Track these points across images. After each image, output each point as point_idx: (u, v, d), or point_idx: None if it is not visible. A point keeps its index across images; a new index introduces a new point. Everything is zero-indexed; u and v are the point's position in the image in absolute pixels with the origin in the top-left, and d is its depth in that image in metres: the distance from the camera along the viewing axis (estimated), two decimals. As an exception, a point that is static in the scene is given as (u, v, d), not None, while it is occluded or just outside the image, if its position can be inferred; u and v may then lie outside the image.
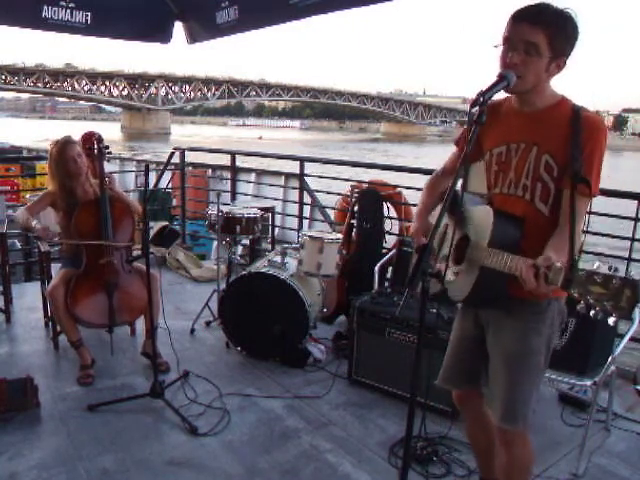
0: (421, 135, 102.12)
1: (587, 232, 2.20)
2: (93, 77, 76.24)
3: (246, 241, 4.79)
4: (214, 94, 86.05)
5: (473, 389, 1.88)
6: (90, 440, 2.46)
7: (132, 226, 3.27)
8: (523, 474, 1.79)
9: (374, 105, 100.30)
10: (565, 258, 1.40)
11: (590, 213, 1.48)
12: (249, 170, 6.51)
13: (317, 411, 2.80)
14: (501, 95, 1.62)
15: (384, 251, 3.95)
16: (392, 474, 2.30)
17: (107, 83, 78.09)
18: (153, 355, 2.82)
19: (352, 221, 3.99)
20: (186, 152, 5.69)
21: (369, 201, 3.99)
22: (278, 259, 3.47)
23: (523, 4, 1.53)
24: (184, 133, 72.83)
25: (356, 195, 4.06)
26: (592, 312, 1.20)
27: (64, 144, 3.11)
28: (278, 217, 5.49)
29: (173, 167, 5.67)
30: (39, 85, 71.89)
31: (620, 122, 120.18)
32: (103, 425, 2.58)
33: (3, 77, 68.06)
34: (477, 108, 1.45)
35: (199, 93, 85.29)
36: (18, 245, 5.43)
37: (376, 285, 3.41)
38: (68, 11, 3.45)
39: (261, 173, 6.47)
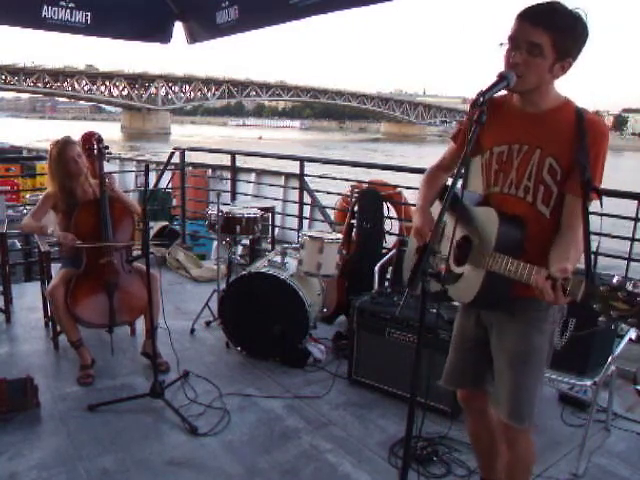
0: (421, 135, 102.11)
1: (601, 234, 2.21)
2: (93, 77, 76.26)
3: (246, 241, 4.79)
4: (214, 94, 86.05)
5: (477, 389, 1.88)
6: (90, 440, 2.46)
7: (132, 226, 3.27)
8: (525, 474, 1.80)
9: (374, 105, 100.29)
10: (573, 265, 1.41)
11: (590, 213, 1.47)
12: (249, 170, 6.51)
13: (317, 411, 2.80)
14: (502, 91, 1.61)
15: (384, 251, 3.95)
16: (392, 474, 2.30)
17: (107, 83, 78.08)
18: (153, 355, 2.82)
19: (352, 221, 3.99)
20: (186, 152, 5.69)
21: (369, 201, 3.99)
22: (278, 259, 3.47)
23: (528, 3, 1.51)
24: (184, 133, 72.83)
25: (356, 195, 4.06)
26: (613, 326, 1.19)
27: (64, 144, 3.11)
28: (278, 217, 5.49)
29: (173, 167, 5.67)
30: (39, 85, 71.87)
31: (620, 122, 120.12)
32: (103, 425, 2.58)
33: (3, 77, 68.05)
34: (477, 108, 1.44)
35: (199, 93, 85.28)
36: (18, 245, 5.43)
37: (376, 285, 3.42)
38: (68, 11, 3.45)
39: (261, 173, 6.47)
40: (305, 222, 5.34)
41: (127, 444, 2.45)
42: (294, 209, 5.39)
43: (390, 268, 3.62)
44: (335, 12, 3.02)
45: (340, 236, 3.58)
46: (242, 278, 3.34)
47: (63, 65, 73.41)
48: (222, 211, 3.63)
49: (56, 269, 3.31)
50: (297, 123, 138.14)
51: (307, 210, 5.44)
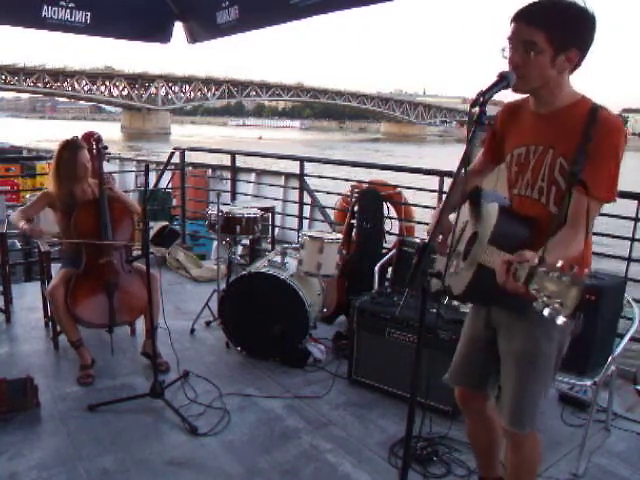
0: (421, 135, 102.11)
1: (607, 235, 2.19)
2: (93, 77, 76.25)
3: (246, 241, 4.79)
4: (214, 94, 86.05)
5: (478, 390, 1.87)
6: (90, 440, 2.46)
7: (131, 226, 3.27)
8: (530, 475, 1.78)
9: (374, 105, 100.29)
10: (555, 258, 1.38)
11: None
12: (249, 170, 6.51)
13: (317, 411, 2.80)
14: (520, 95, 1.62)
15: (384, 251, 3.95)
16: (392, 474, 2.30)
17: (107, 83, 78.10)
18: (153, 355, 2.82)
19: (352, 221, 3.99)
20: (186, 152, 5.69)
21: (369, 201, 3.99)
22: (278, 259, 3.47)
23: (523, 4, 1.52)
24: (184, 133, 72.82)
25: (356, 195, 4.06)
26: (546, 311, 1.14)
27: (77, 149, 3.10)
28: (278, 217, 5.49)
29: (173, 167, 5.68)
30: (39, 85, 71.87)
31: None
32: (103, 425, 2.58)
33: (3, 77, 68.05)
34: (477, 108, 1.44)
35: (199, 93, 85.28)
36: (18, 245, 5.42)
37: (376, 285, 3.41)
38: (68, 11, 3.45)
39: (261, 173, 6.47)
40: (305, 222, 5.34)
41: (127, 444, 2.45)
42: (294, 209, 5.39)
43: (390, 268, 3.62)
44: (335, 12, 3.02)
45: (340, 236, 3.58)
46: (242, 278, 3.34)
47: (63, 65, 73.47)
48: (222, 211, 3.63)
49: (56, 269, 3.31)
50: (297, 123, 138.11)
51: (307, 210, 5.44)
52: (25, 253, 5.33)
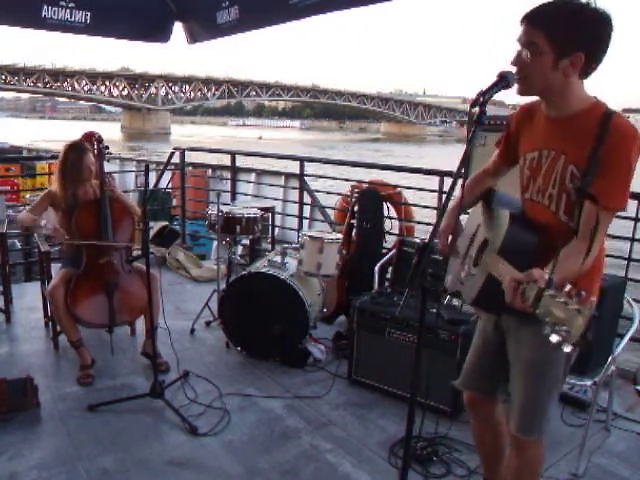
0: (421, 135, 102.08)
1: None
2: (93, 77, 76.22)
3: (246, 241, 4.79)
4: (214, 94, 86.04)
5: (489, 396, 1.86)
6: (90, 440, 2.46)
7: (132, 226, 3.28)
8: (534, 476, 1.77)
9: (374, 105, 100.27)
10: (565, 273, 1.35)
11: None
12: (249, 170, 6.51)
13: (317, 411, 2.80)
14: (533, 98, 1.61)
15: (384, 251, 3.94)
16: (392, 474, 2.30)
17: (107, 83, 78.08)
18: (153, 355, 2.82)
19: (352, 221, 3.99)
20: (186, 152, 5.69)
21: (369, 201, 3.99)
22: (278, 259, 3.47)
23: (527, 3, 1.51)
24: (184, 133, 72.83)
25: (356, 195, 4.06)
26: (554, 338, 1.11)
27: (83, 151, 3.12)
28: (278, 217, 5.49)
29: (173, 167, 5.68)
30: (39, 85, 71.85)
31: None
32: (103, 425, 2.58)
33: (3, 77, 68.04)
34: (477, 108, 1.44)
35: (199, 93, 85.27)
36: (18, 245, 5.43)
37: (376, 285, 3.42)
38: (68, 11, 3.45)
39: (261, 173, 6.47)
40: (305, 222, 5.34)
41: (127, 444, 2.45)
42: (294, 209, 5.38)
43: (390, 268, 3.62)
44: (335, 12, 3.03)
45: (340, 236, 3.58)
46: (242, 278, 3.34)
47: (63, 65, 73.46)
48: (222, 211, 3.62)
49: (56, 269, 3.31)
50: (297, 123, 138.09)
51: (307, 210, 5.43)
52: (25, 253, 5.34)
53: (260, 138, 72.66)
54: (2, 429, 2.49)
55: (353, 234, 4.00)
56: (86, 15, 3.53)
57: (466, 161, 1.44)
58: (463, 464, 2.37)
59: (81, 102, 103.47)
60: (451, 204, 1.72)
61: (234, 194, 5.64)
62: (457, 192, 1.53)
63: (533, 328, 1.58)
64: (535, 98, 1.62)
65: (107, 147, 3.25)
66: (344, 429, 2.65)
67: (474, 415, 1.95)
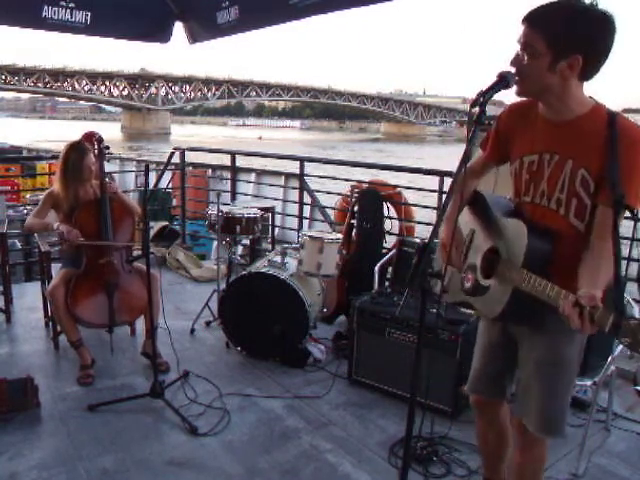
0: (421, 135, 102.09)
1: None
2: (93, 77, 76.23)
3: (246, 241, 4.79)
4: (214, 94, 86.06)
5: (497, 397, 1.86)
6: (90, 440, 2.46)
7: (132, 226, 3.28)
8: (538, 473, 1.78)
9: (374, 105, 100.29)
10: (602, 288, 1.35)
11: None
12: (249, 170, 6.51)
13: (317, 411, 2.80)
14: (527, 98, 1.60)
15: (384, 251, 3.95)
16: (392, 474, 2.30)
17: (107, 83, 78.09)
18: (153, 355, 2.82)
19: (352, 221, 3.99)
20: (186, 152, 5.69)
21: (369, 201, 3.99)
22: (278, 259, 3.47)
23: (528, 3, 1.51)
24: (184, 133, 72.82)
25: (356, 195, 4.06)
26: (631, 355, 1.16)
27: (84, 151, 3.12)
28: (278, 217, 5.49)
29: (173, 167, 5.68)
30: (39, 85, 71.87)
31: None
32: (103, 425, 2.58)
33: (3, 77, 68.05)
34: (477, 108, 1.44)
35: (199, 93, 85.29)
36: (18, 245, 5.42)
37: (376, 285, 3.42)
38: (68, 11, 3.45)
39: (261, 173, 6.48)
40: (305, 222, 5.34)
41: (127, 444, 2.45)
42: (294, 209, 5.39)
43: (390, 268, 3.62)
44: (335, 12, 3.03)
45: (340, 236, 3.58)
46: (242, 278, 3.34)
47: (63, 65, 73.44)
48: (222, 211, 3.63)
49: (56, 269, 3.31)
50: (297, 123, 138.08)
51: (307, 210, 5.44)
52: (25, 253, 5.34)
53: (260, 138, 72.64)
54: (2, 429, 2.50)
55: (353, 234, 4.00)
56: (86, 15, 3.53)
57: (466, 161, 1.45)
58: (463, 464, 2.37)
59: (81, 102, 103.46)
60: (447, 212, 1.71)
61: (234, 194, 5.65)
62: (452, 201, 1.53)
63: (547, 334, 1.59)
64: (526, 98, 1.62)
65: (107, 147, 3.25)
66: (344, 429, 2.65)
67: (480, 415, 1.95)
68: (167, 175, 5.98)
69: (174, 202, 6.30)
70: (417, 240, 3.67)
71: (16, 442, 2.42)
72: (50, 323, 3.52)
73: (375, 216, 3.96)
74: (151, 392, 2.73)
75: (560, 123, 1.54)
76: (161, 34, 3.99)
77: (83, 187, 3.18)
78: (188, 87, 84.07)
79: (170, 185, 5.92)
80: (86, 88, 75.48)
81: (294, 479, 2.29)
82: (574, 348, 1.62)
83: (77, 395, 2.85)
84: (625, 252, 3.26)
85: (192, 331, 3.72)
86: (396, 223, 4.45)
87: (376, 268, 3.49)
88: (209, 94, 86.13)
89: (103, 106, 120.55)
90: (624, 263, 3.19)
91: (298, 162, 5.23)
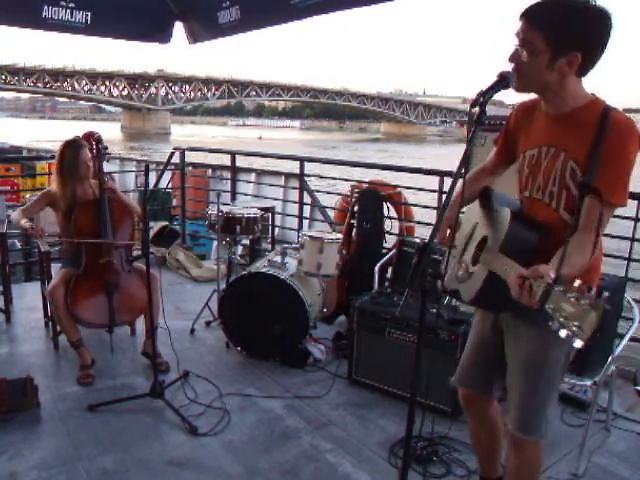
0: (421, 135, 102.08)
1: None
2: (93, 77, 76.23)
3: (246, 241, 4.79)
4: (214, 94, 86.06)
5: (484, 393, 1.86)
6: (90, 440, 2.46)
7: (132, 226, 3.28)
8: (533, 476, 1.77)
9: (374, 105, 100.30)
10: (573, 268, 1.34)
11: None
12: (249, 170, 6.51)
13: (317, 411, 2.80)
14: (533, 95, 1.60)
15: (384, 251, 3.95)
16: (392, 474, 2.30)
17: (107, 83, 78.10)
18: (153, 355, 2.82)
19: (352, 221, 3.99)
20: (186, 152, 5.69)
21: (369, 201, 3.99)
22: (278, 259, 3.47)
23: (528, 3, 1.50)
24: (184, 133, 72.82)
25: (356, 195, 4.06)
26: (563, 332, 1.12)
27: (79, 148, 3.12)
28: (278, 217, 5.49)
29: (173, 167, 5.68)
30: (39, 85, 71.88)
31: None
32: (103, 425, 2.58)
33: (3, 77, 68.06)
34: (477, 108, 1.44)
35: (199, 93, 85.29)
36: (18, 245, 5.42)
37: (376, 285, 3.41)
38: (68, 11, 3.45)
39: (261, 173, 6.47)
40: (305, 222, 5.34)
41: (127, 444, 2.45)
42: (294, 209, 5.38)
43: (390, 268, 3.62)
44: (336, 12, 3.03)
45: (340, 236, 3.58)
46: (242, 278, 3.34)
47: (63, 65, 73.44)
48: (222, 211, 3.63)
49: (56, 269, 3.31)
50: (297, 123, 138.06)
51: (307, 210, 5.43)
52: (25, 253, 5.33)
53: (260, 138, 72.62)
54: (2, 429, 2.50)
55: (353, 234, 4.00)
56: (86, 15, 3.53)
57: (466, 161, 1.44)
58: (463, 464, 2.37)
59: (81, 102, 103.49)
60: (452, 199, 1.70)
61: (234, 194, 5.64)
62: (458, 188, 1.52)
63: (533, 327, 1.59)
64: (533, 95, 1.62)
65: (106, 147, 3.24)
66: (344, 429, 2.65)
67: (470, 413, 1.96)
68: (167, 175, 5.97)
69: (174, 202, 6.30)
70: (417, 240, 3.67)
71: (16, 442, 2.42)
72: (50, 323, 3.51)
73: (375, 216, 3.96)
74: (151, 392, 2.73)
75: (557, 117, 1.55)
76: (161, 34, 3.99)
77: (81, 186, 3.18)
78: (188, 87, 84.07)
79: (170, 185, 5.92)
80: (86, 88, 75.47)
81: (294, 479, 2.29)
82: (561, 350, 1.61)
83: (77, 395, 2.85)
84: (625, 252, 3.26)
85: (192, 331, 3.72)
86: (396, 223, 4.45)
87: (376, 268, 3.49)
88: (209, 94, 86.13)
89: (103, 106, 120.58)
90: (624, 263, 3.20)
91: (298, 162, 5.23)
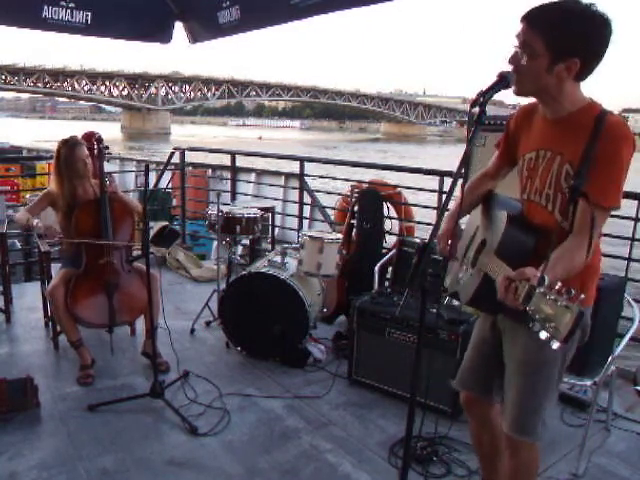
0: (421, 135, 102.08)
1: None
2: (93, 77, 76.25)
3: (246, 241, 4.79)
4: (214, 94, 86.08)
5: (484, 395, 1.86)
6: (90, 440, 2.46)
7: (132, 226, 3.28)
8: (530, 478, 1.76)
9: (374, 105, 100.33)
10: (558, 271, 1.35)
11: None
12: (249, 170, 6.51)
13: (317, 411, 2.80)
14: (533, 99, 1.61)
15: (384, 251, 3.94)
16: (392, 474, 2.30)
17: (107, 83, 78.12)
18: (153, 355, 2.82)
19: (352, 221, 3.99)
20: (186, 152, 5.69)
21: (369, 201, 3.99)
22: (278, 259, 3.47)
23: (528, 3, 1.50)
24: (184, 133, 72.81)
25: (356, 195, 4.06)
26: (543, 334, 1.13)
27: (75, 145, 3.11)
28: (278, 217, 5.49)
29: (173, 167, 5.68)
30: (39, 85, 71.90)
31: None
32: (103, 425, 2.58)
33: (3, 77, 68.07)
34: (477, 108, 1.44)
35: (199, 93, 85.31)
36: (18, 245, 5.42)
37: (376, 285, 3.41)
38: (68, 11, 3.45)
39: (261, 173, 6.47)
40: (305, 222, 5.34)
41: (127, 444, 2.45)
42: (294, 209, 5.38)
43: (390, 268, 3.62)
44: (336, 12, 3.03)
45: (340, 236, 3.58)
46: (242, 278, 3.34)
47: (63, 65, 73.45)
48: (222, 211, 3.63)
49: (56, 269, 3.31)
50: (297, 123, 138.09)
51: (307, 210, 5.43)
52: (25, 253, 5.33)
53: (260, 138, 72.62)
54: (2, 429, 2.50)
55: (353, 234, 4.00)
56: (86, 15, 3.53)
57: (466, 161, 1.44)
58: (463, 464, 2.37)
59: (81, 102, 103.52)
60: (450, 207, 1.71)
61: (234, 194, 5.64)
62: (457, 194, 1.52)
63: (528, 329, 1.59)
64: (534, 99, 1.62)
65: (107, 147, 3.24)
66: (344, 429, 2.65)
67: (471, 416, 1.95)
68: (167, 175, 5.98)
69: (174, 202, 6.30)
70: (417, 240, 3.67)
71: (16, 442, 2.42)
72: (50, 323, 3.52)
73: (375, 216, 3.96)
74: (151, 392, 2.73)
75: (555, 120, 1.56)
76: (161, 34, 3.99)
77: (81, 185, 3.18)
78: (188, 87, 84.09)
79: (170, 185, 5.92)
80: (86, 88, 75.49)
81: (294, 479, 2.29)
82: (557, 352, 1.60)
83: (77, 395, 2.85)
84: (625, 251, 3.26)
85: (192, 331, 3.72)
86: (396, 223, 4.45)
87: (376, 268, 3.49)
88: (209, 94, 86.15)
89: (103, 106, 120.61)
90: (624, 263, 3.20)
91: (298, 162, 5.23)
